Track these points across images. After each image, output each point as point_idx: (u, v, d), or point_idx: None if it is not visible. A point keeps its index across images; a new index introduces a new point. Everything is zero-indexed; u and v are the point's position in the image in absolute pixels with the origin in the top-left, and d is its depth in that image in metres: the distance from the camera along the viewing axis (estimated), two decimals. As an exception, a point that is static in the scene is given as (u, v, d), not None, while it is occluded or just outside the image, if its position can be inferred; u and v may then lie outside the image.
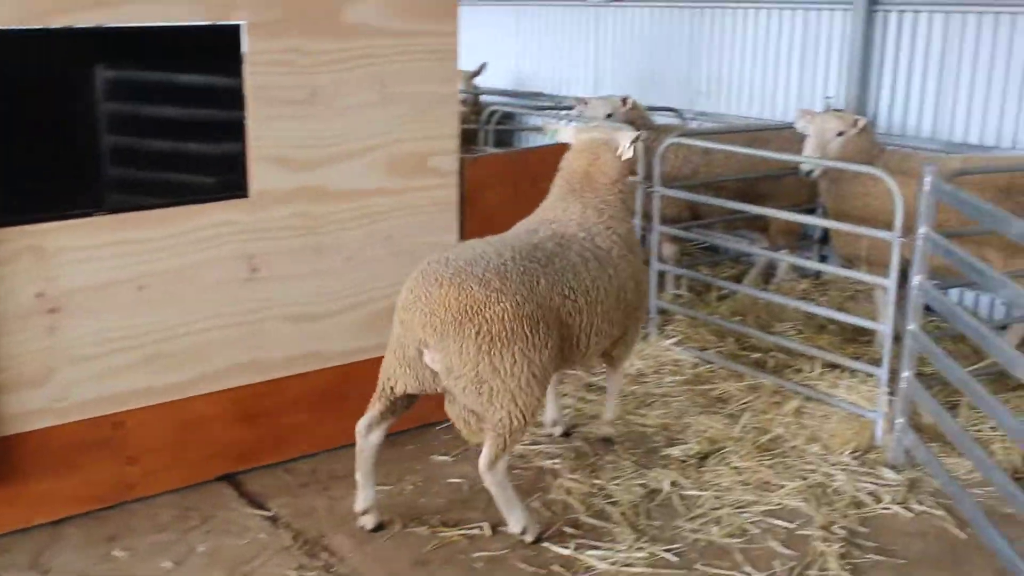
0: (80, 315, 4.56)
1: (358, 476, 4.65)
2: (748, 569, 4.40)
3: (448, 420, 5.20)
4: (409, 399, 4.64)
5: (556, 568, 4.38)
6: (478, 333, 4.20)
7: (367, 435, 4.60)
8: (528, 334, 4.29)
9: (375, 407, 4.58)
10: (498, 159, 6.35)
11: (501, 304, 4.23)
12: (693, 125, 9.20)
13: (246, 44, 4.74)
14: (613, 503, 4.89)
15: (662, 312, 7.13)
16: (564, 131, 5.32)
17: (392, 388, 4.53)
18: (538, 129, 8.90)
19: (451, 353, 4.24)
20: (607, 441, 5.52)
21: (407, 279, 4.46)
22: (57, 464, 4.63)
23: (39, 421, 4.55)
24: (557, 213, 4.97)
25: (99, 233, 4.55)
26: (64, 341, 4.54)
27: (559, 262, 4.59)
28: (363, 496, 4.66)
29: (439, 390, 4.46)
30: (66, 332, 4.54)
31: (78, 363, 4.60)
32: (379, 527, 4.67)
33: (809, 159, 6.47)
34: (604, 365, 5.58)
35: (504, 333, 4.23)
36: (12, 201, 4.34)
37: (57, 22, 4.29)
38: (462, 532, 4.65)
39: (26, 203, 4.38)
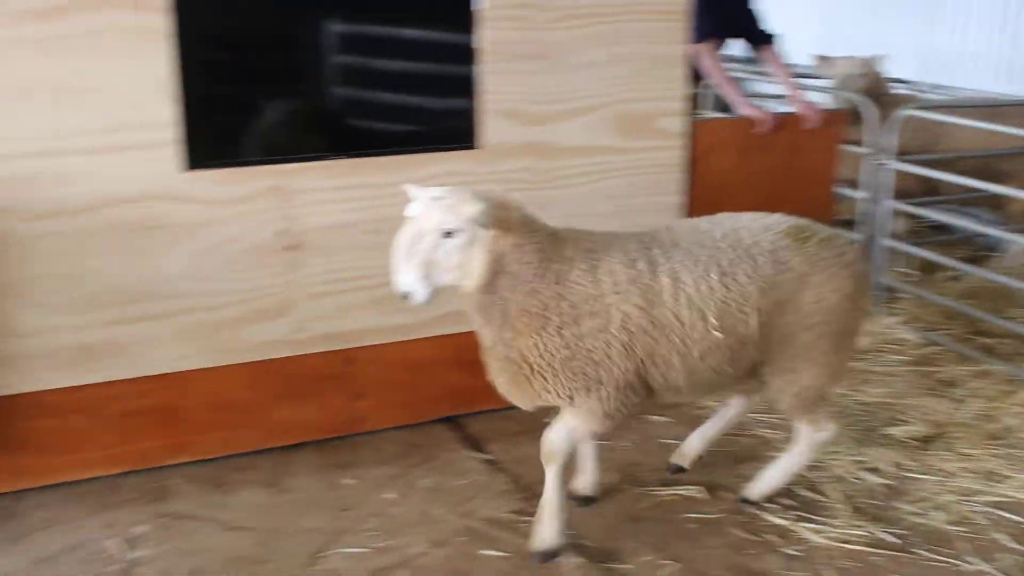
0: (316, 254, 4.77)
1: None
2: (971, 559, 4.20)
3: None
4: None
5: (770, 537, 4.32)
6: None
7: None
8: None
9: None
10: (725, 124, 6.20)
11: None
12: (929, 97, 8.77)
13: (483, 1, 4.83)
14: (830, 479, 4.78)
15: (889, 290, 6.87)
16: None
17: None
18: (765, 96, 8.67)
19: None
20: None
21: (851, 274, 4.16)
22: (293, 393, 4.89)
23: (279, 351, 4.81)
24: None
25: (333, 176, 4.74)
26: (302, 277, 4.76)
27: None
28: None
29: None
30: (304, 269, 4.76)
31: (314, 299, 4.82)
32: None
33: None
34: None
35: None
36: (258, 142, 4.60)
37: None
38: (677, 492, 4.64)
39: (270, 145, 4.62)
